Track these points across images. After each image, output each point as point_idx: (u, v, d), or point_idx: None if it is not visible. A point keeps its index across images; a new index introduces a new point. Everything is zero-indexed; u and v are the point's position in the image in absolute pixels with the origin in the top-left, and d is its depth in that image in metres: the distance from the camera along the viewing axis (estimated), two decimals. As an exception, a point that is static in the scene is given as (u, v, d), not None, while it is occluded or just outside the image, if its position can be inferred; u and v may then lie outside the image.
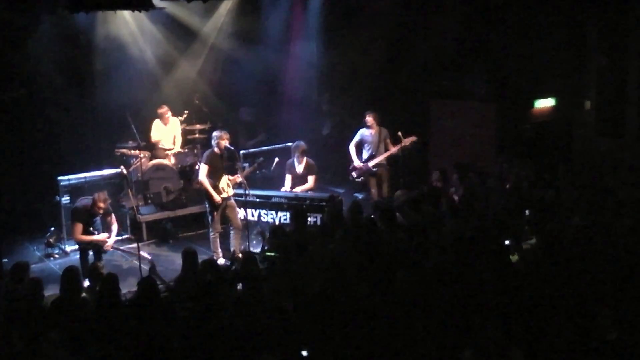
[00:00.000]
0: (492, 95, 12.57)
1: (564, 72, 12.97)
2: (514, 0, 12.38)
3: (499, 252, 6.97)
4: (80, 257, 9.51)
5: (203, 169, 9.99)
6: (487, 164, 12.09)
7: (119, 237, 11.51)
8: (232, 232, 10.29)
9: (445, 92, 13.10)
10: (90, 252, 9.48)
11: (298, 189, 10.73)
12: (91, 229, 9.42)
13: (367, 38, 13.30)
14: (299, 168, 10.83)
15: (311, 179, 10.81)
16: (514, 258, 7.08)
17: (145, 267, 8.80)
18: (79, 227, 9.30)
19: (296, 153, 10.81)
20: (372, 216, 8.74)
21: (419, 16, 12.84)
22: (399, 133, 11.81)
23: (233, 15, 13.50)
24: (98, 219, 9.55)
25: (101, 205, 9.30)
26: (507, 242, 7.46)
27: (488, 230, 7.86)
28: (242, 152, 11.80)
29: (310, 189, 10.75)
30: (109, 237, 9.51)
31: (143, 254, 9.32)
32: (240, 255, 9.34)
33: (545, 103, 13.38)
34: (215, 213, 10.08)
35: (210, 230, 10.24)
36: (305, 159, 10.83)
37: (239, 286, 7.20)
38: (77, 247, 9.96)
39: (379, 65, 13.36)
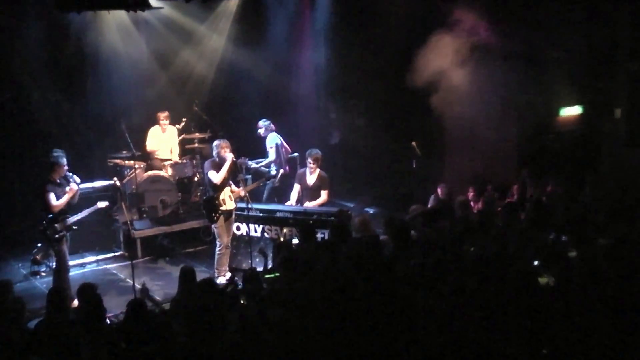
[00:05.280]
0: (514, 102, 12.44)
1: (592, 78, 12.85)
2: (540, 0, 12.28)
3: (526, 273, 6.81)
4: (56, 272, 9.36)
5: (213, 174, 9.89)
6: (508, 177, 11.98)
7: (112, 254, 11.49)
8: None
9: (463, 98, 12.97)
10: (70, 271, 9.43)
11: (310, 204, 10.55)
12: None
13: (378, 40, 13.23)
14: (311, 179, 10.66)
15: (324, 194, 10.60)
16: (543, 280, 6.93)
17: (138, 286, 8.68)
18: (52, 196, 9.16)
19: (311, 160, 10.58)
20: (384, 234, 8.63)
21: (434, 15, 12.72)
22: (413, 143, 11.73)
23: (235, 16, 13.46)
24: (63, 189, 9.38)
25: (62, 174, 9.23)
26: (535, 262, 7.31)
27: (512, 250, 7.71)
28: (249, 163, 11.75)
29: (322, 205, 10.59)
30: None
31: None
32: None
33: (571, 111, 13.27)
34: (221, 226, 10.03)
35: (218, 244, 10.13)
36: (318, 170, 10.65)
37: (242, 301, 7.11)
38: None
39: (390, 69, 13.26)
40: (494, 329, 5.88)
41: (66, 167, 9.29)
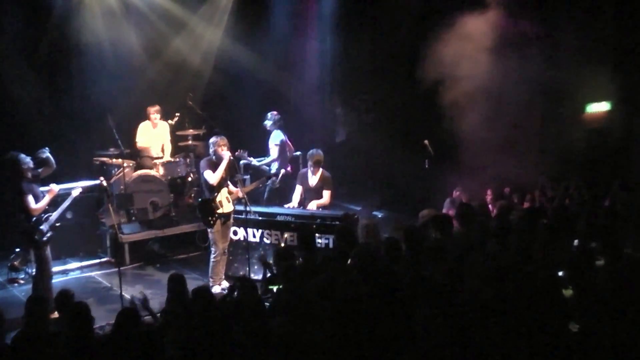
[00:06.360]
0: (537, 98, 12.37)
1: (621, 72, 12.77)
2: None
3: (549, 285, 6.73)
4: (37, 279, 9.22)
5: (209, 174, 9.79)
6: (529, 178, 11.91)
7: (97, 260, 11.43)
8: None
9: (481, 93, 12.90)
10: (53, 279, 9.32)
11: (312, 204, 10.52)
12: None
13: (387, 32, 13.20)
14: (313, 180, 10.65)
15: (326, 194, 10.60)
16: (568, 292, 6.86)
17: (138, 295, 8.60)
18: (31, 198, 9.00)
19: (311, 162, 10.61)
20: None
21: (447, 4, 12.66)
22: (425, 141, 11.67)
23: (233, 4, 13.42)
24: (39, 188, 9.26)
25: (29, 166, 9.03)
26: (560, 273, 7.23)
27: (533, 258, 7.64)
28: (249, 159, 11.67)
29: (324, 205, 10.56)
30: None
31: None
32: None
33: (598, 108, 13.20)
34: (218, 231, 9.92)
35: (213, 251, 10.02)
36: (320, 170, 10.64)
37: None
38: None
39: (400, 62, 13.22)
40: (513, 346, 5.81)
41: (29, 160, 9.13)
